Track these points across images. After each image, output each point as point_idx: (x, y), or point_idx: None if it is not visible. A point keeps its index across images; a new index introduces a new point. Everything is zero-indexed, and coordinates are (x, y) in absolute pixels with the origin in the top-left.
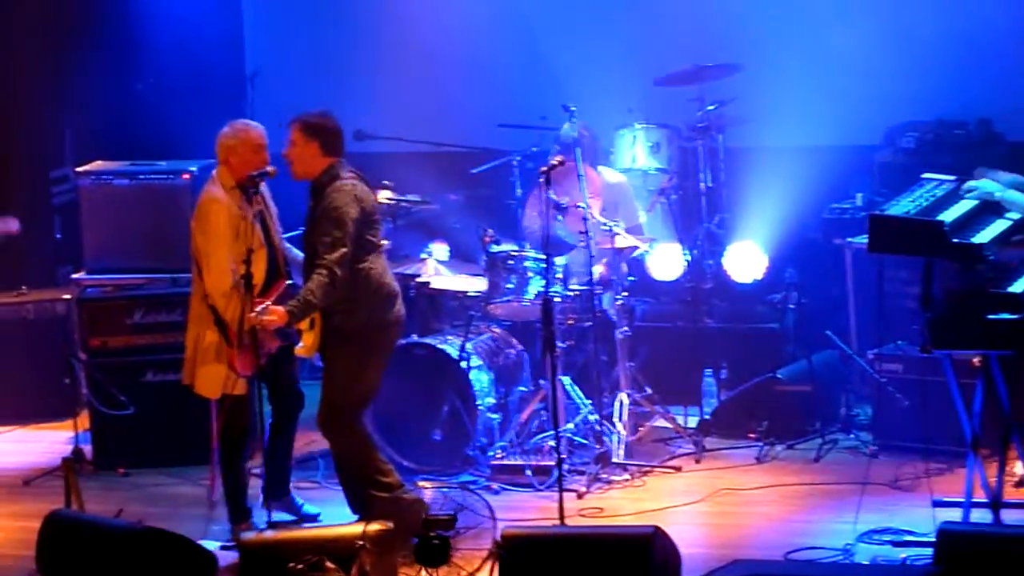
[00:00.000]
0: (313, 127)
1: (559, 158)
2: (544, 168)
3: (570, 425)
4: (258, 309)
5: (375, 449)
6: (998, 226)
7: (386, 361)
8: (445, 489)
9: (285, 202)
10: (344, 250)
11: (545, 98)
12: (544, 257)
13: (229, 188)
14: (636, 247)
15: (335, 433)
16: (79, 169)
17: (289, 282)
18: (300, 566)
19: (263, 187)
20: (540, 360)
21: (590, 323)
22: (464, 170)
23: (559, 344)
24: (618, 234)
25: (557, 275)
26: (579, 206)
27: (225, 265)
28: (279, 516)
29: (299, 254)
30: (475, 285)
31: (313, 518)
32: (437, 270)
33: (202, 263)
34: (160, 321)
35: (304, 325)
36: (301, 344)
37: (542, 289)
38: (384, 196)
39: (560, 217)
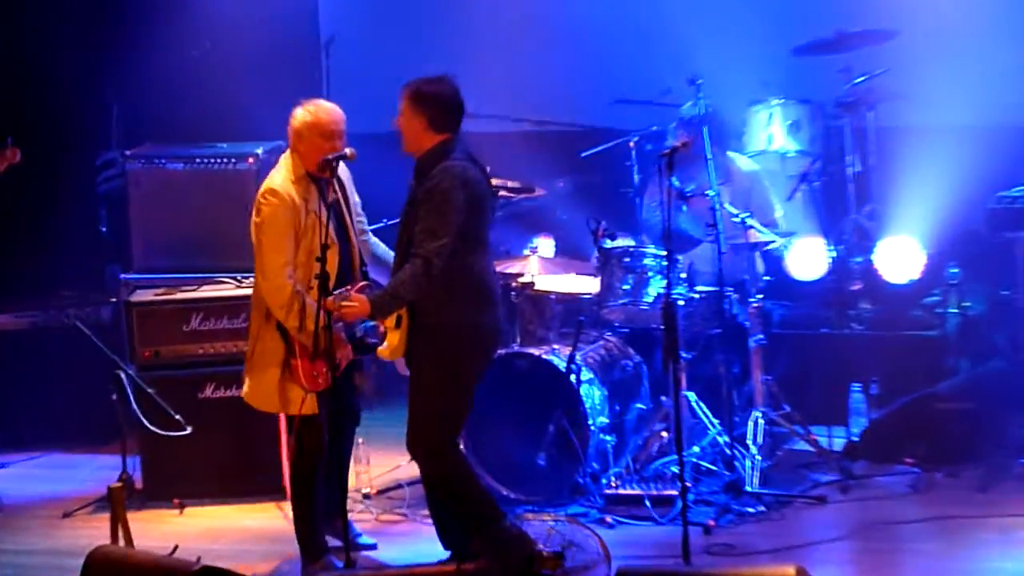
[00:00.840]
0: (424, 97)
1: (683, 139)
2: (665, 151)
3: (696, 448)
4: (336, 293)
5: (472, 475)
6: None
7: (482, 373)
8: (552, 522)
9: (390, 185)
10: (445, 240)
11: (667, 70)
12: (666, 253)
13: (296, 177)
14: (772, 241)
15: (426, 456)
16: (128, 152)
17: (364, 283)
18: None
19: (344, 171)
20: (661, 373)
21: (719, 330)
22: (573, 153)
23: (683, 354)
24: (752, 226)
25: (681, 274)
26: (706, 194)
27: (281, 270)
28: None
29: (386, 251)
30: (586, 286)
31: (369, 548)
32: (542, 268)
33: (257, 264)
34: (221, 328)
35: (390, 322)
36: (384, 344)
37: (663, 290)
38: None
39: (684, 207)
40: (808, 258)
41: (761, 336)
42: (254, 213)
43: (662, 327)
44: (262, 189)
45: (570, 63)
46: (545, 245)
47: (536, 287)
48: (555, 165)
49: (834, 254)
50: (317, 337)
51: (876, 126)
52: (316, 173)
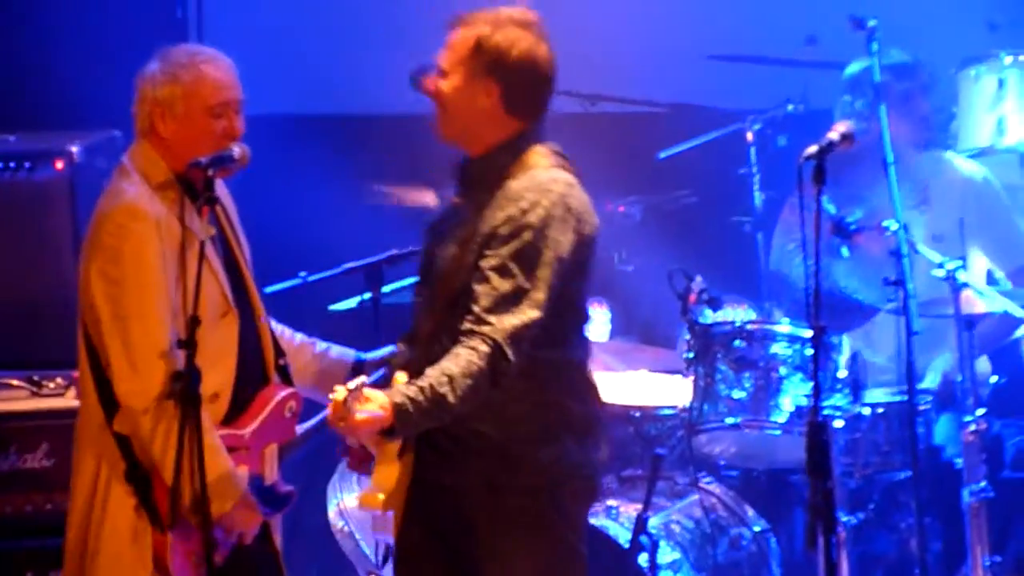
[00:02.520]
0: (497, 52)
1: (844, 127)
2: (812, 150)
3: None
4: (351, 386)
5: None
6: None
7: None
8: None
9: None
10: (533, 314)
11: (807, 6)
12: (812, 334)
13: (158, 183)
14: (1009, 315)
15: None
16: None
17: (290, 392)
18: None
19: (221, 190)
20: (804, 552)
21: (908, 472)
22: (645, 151)
23: (844, 518)
24: (968, 286)
25: (839, 371)
26: (885, 227)
27: (159, 357)
28: None
29: (303, 340)
30: (668, 392)
31: None
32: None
33: (106, 342)
34: (13, 470)
35: (389, 450)
36: (370, 485)
37: (808, 401)
38: None
39: (846, 250)
40: None
41: (985, 485)
42: (92, 256)
43: (805, 468)
44: (113, 210)
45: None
46: (595, 318)
47: None
48: (613, 173)
49: None
50: (204, 497)
51: None
52: (192, 175)
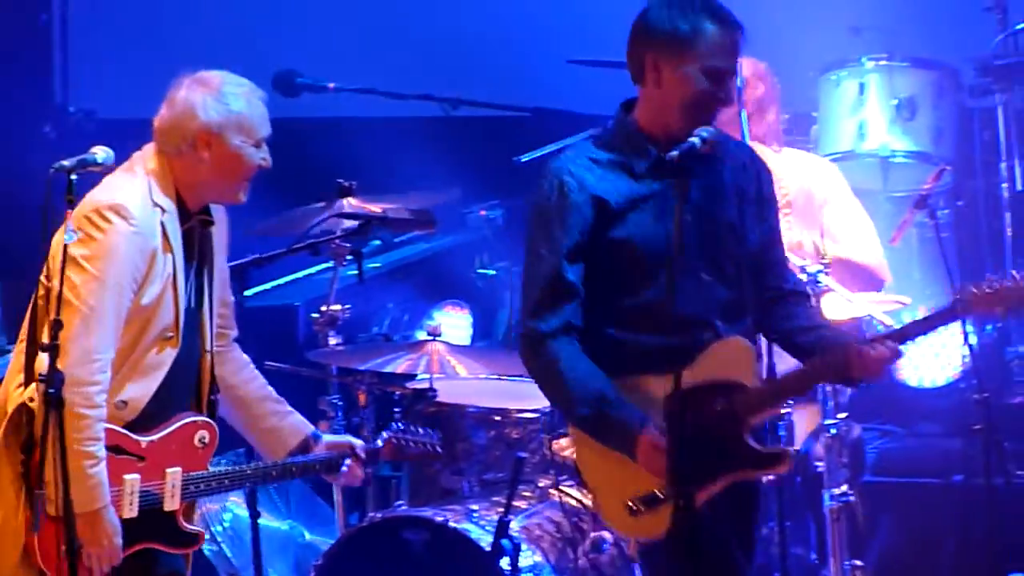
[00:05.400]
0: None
1: (706, 131)
2: (673, 154)
3: None
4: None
5: None
6: None
7: None
8: None
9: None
10: None
11: None
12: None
13: (162, 202)
14: (862, 318)
15: None
16: None
17: (198, 419)
18: None
19: (219, 214)
20: None
21: (769, 478)
22: (506, 156)
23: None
24: (826, 288)
25: None
26: None
27: (94, 360)
28: None
29: (262, 388)
30: (529, 395)
31: None
32: (449, 365)
33: (62, 309)
34: None
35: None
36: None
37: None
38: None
39: None
40: (929, 349)
41: (846, 489)
42: (64, 241)
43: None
44: (99, 198)
45: (490, 6)
46: (456, 321)
47: (439, 398)
48: (475, 177)
49: (975, 343)
50: (68, 499)
51: None
52: (227, 200)
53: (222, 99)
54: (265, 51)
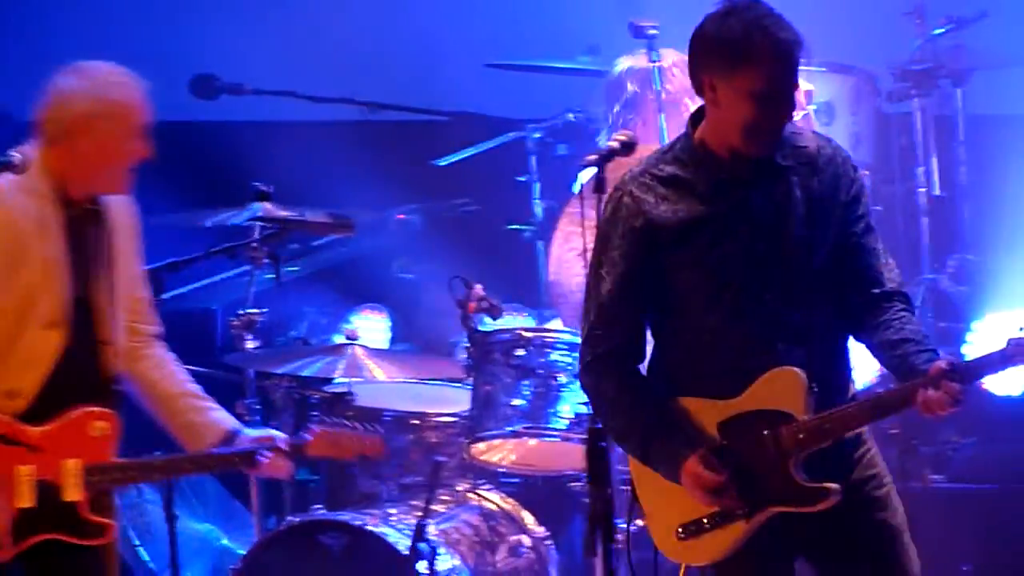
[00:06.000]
0: None
1: (624, 135)
2: (592, 156)
3: None
4: None
5: None
6: None
7: None
8: None
9: None
10: None
11: (590, 15)
12: None
13: (34, 187)
14: None
15: None
16: None
17: (102, 410)
18: None
19: (122, 210)
20: (583, 558)
21: None
22: (424, 160)
23: (622, 525)
24: None
25: None
26: None
27: None
28: None
29: (181, 383)
30: (447, 399)
31: None
32: (366, 369)
33: None
34: None
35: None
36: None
37: (586, 409)
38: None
39: None
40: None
41: None
42: None
43: (584, 476)
44: None
45: (411, 6)
46: (373, 324)
47: (355, 403)
48: (393, 181)
49: None
50: None
51: (968, 114)
52: (110, 189)
53: (97, 88)
54: (183, 54)
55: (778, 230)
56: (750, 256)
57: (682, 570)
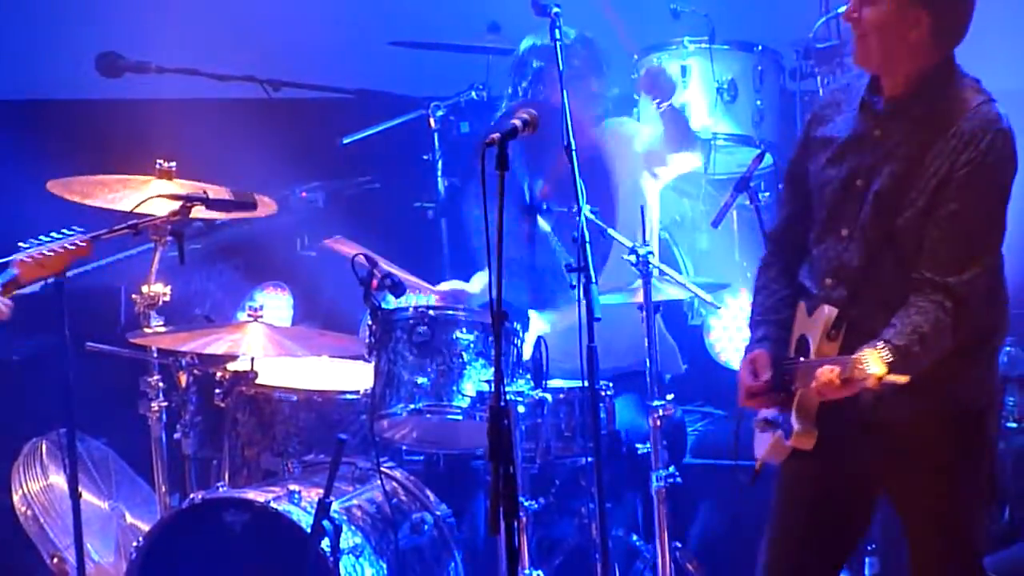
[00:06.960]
0: None
1: (526, 113)
2: (494, 136)
3: None
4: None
5: None
6: None
7: None
8: None
9: None
10: (990, 261)
11: None
12: (494, 319)
13: None
14: (694, 300)
15: None
16: None
17: None
18: None
19: None
20: (486, 537)
21: (591, 459)
22: (327, 138)
23: (525, 503)
24: (657, 270)
25: (521, 356)
26: (569, 210)
27: None
28: None
29: None
30: (350, 377)
31: None
32: (270, 346)
33: None
34: None
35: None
36: (803, 428)
37: (489, 387)
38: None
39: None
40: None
41: (672, 470)
42: None
43: (487, 453)
44: None
45: None
46: (275, 302)
47: (259, 380)
48: (296, 159)
49: None
50: None
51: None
52: None
53: None
54: (88, 32)
55: (871, 172)
56: (847, 188)
57: (758, 464)
